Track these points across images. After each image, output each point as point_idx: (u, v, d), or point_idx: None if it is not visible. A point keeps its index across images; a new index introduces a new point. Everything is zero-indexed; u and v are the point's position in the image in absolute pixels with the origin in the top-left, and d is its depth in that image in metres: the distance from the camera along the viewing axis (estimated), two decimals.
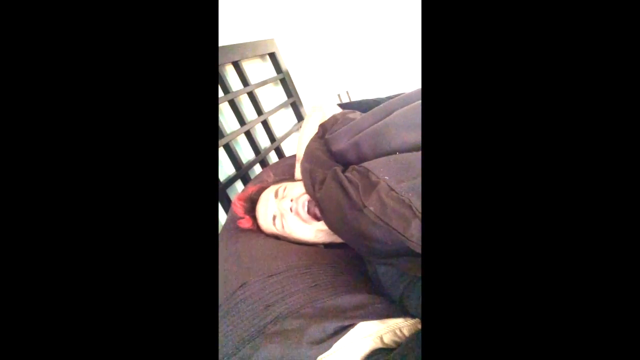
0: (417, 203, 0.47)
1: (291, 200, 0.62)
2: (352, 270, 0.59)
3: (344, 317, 0.46)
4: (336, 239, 0.65)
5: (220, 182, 0.93)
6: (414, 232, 0.46)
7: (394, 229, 0.47)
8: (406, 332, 0.48)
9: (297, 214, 0.62)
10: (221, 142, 0.95)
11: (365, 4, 1.56)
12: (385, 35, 1.59)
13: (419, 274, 0.49)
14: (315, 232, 0.63)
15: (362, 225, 0.51)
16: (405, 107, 0.65)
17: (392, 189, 0.50)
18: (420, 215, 0.46)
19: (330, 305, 0.48)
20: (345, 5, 1.56)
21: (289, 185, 0.66)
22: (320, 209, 0.61)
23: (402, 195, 0.49)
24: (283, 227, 0.64)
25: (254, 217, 0.68)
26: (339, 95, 1.61)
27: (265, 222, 0.66)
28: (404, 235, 0.47)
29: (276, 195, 0.65)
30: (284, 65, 1.41)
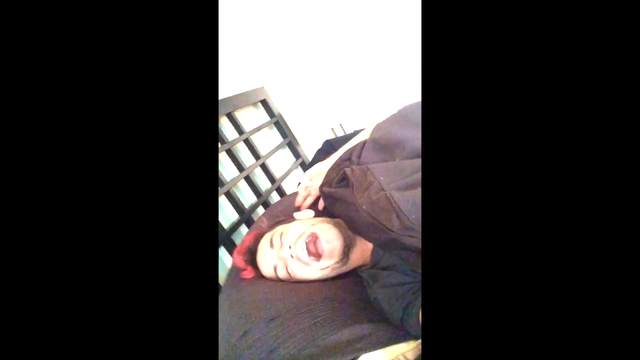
0: (397, 197, 0.54)
1: (289, 247, 0.64)
2: (353, 298, 0.60)
3: (346, 352, 0.47)
4: (342, 270, 0.66)
5: (224, 229, 0.96)
6: (394, 224, 0.52)
7: (380, 222, 0.54)
8: (410, 357, 0.48)
9: (299, 259, 0.63)
10: (222, 190, 0.99)
11: (348, 37, 1.65)
12: (372, 64, 1.66)
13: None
14: (321, 270, 0.65)
15: (362, 220, 0.59)
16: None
17: (382, 189, 0.57)
18: (398, 208, 0.53)
19: (331, 341, 0.49)
20: (329, 41, 1.66)
21: (284, 230, 0.67)
22: (332, 203, 0.69)
23: (387, 192, 0.56)
24: (288, 274, 0.65)
25: (256, 267, 0.70)
26: (332, 129, 1.66)
27: (268, 272, 0.68)
28: (386, 227, 0.54)
29: (271, 244, 0.67)
30: (276, 109, 1.48)
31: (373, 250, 0.66)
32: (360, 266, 0.69)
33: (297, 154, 1.49)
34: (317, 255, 0.64)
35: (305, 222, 0.69)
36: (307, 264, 0.63)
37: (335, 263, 0.64)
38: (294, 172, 1.44)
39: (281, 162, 1.47)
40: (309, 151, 1.54)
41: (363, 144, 0.78)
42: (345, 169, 0.69)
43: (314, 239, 0.65)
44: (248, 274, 0.69)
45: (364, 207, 0.58)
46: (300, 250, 0.63)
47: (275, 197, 1.29)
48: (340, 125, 1.68)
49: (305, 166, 1.45)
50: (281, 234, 0.66)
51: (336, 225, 0.66)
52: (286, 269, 0.65)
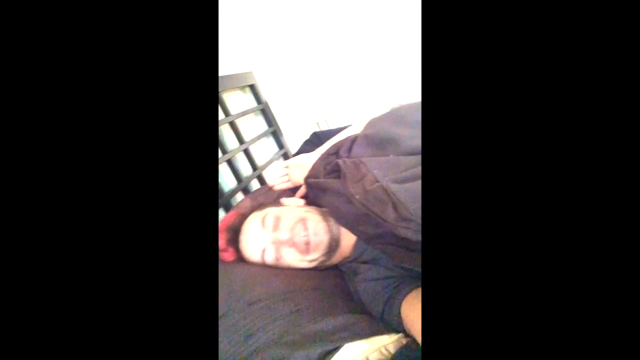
0: (394, 188, 0.53)
1: (288, 231, 0.61)
2: (335, 290, 0.59)
3: (328, 341, 0.46)
4: (327, 264, 0.65)
5: None
6: (389, 215, 0.51)
7: (374, 212, 0.53)
8: (392, 349, 0.48)
9: (295, 244, 0.61)
10: None
11: (338, 33, 1.64)
12: (363, 62, 1.66)
13: (408, 265, 0.52)
14: (310, 261, 0.63)
15: (352, 211, 0.58)
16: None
17: (377, 181, 0.57)
18: (396, 199, 0.52)
19: (313, 330, 0.47)
20: (319, 36, 1.64)
21: (280, 212, 0.63)
22: (320, 195, 0.68)
23: (382, 184, 0.55)
24: (277, 258, 0.62)
25: (236, 248, 0.66)
26: (317, 124, 1.65)
27: (253, 254, 0.64)
28: (380, 218, 0.52)
29: (263, 224, 0.63)
30: (264, 96, 1.45)
31: (356, 243, 0.66)
32: (342, 259, 0.68)
33: (280, 145, 1.47)
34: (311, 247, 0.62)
35: (299, 208, 0.67)
36: (302, 252, 0.61)
37: (321, 256, 0.63)
38: (276, 162, 1.42)
39: (264, 150, 1.44)
40: (292, 143, 1.52)
41: (353, 139, 0.77)
42: (338, 160, 0.68)
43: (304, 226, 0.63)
44: (228, 256, 0.65)
45: (357, 197, 0.57)
46: (298, 236, 0.61)
47: (255, 185, 1.26)
48: (325, 121, 1.67)
49: (287, 158, 1.43)
50: (277, 216, 0.63)
51: (325, 219, 0.65)
52: (276, 253, 0.61)
